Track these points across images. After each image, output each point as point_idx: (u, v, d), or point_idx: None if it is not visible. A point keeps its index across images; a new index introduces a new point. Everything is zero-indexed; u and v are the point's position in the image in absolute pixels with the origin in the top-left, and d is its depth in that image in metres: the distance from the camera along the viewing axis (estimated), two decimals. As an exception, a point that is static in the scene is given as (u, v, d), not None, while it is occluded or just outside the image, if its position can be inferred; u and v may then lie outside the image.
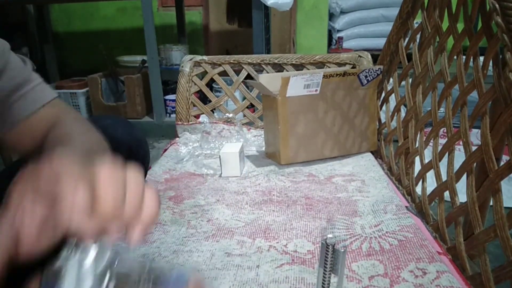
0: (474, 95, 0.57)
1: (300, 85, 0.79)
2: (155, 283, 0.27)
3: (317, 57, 1.05)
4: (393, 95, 0.88)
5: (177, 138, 1.05)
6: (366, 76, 0.85)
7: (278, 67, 1.07)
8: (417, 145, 0.74)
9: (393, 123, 0.88)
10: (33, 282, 0.30)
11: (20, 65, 0.51)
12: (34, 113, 0.51)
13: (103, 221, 0.28)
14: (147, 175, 0.75)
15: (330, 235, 0.36)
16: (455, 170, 0.60)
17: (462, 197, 0.55)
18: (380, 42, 1.41)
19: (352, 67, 1.01)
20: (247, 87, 1.12)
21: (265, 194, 0.71)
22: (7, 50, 0.50)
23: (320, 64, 1.05)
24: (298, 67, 1.06)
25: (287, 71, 1.06)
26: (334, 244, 0.36)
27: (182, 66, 1.10)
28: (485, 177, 0.51)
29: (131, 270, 0.27)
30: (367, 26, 3.67)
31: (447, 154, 0.63)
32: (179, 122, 1.08)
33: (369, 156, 0.88)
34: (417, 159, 0.73)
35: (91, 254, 0.26)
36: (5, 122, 0.51)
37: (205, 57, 1.10)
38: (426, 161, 0.69)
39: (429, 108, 0.69)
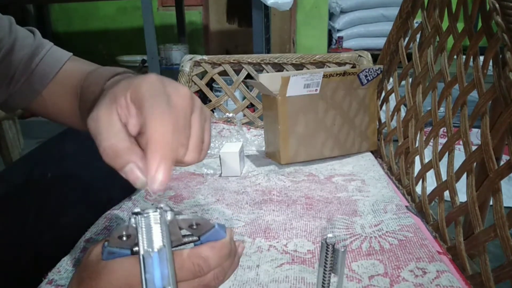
0: (474, 94, 0.57)
1: (300, 84, 0.79)
2: (201, 230, 0.31)
3: (317, 56, 1.05)
4: (393, 94, 0.88)
5: (177, 138, 1.05)
6: (366, 76, 0.85)
7: (278, 67, 1.07)
8: (417, 144, 0.74)
9: (393, 123, 0.88)
10: (98, 245, 0.31)
11: (29, 34, 0.53)
12: (58, 72, 0.53)
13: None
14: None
15: (330, 235, 0.36)
16: (455, 170, 0.60)
17: (462, 197, 0.55)
18: (380, 42, 1.41)
19: (352, 67, 1.01)
20: (247, 86, 1.12)
21: (265, 194, 0.71)
22: (14, 24, 0.51)
23: (320, 64, 1.05)
24: (298, 66, 1.06)
25: (287, 70, 1.06)
26: (334, 243, 0.36)
27: (182, 66, 1.10)
28: (485, 176, 0.51)
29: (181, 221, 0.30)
30: (367, 26, 3.67)
31: (447, 153, 0.63)
32: (179, 122, 1.08)
33: (369, 156, 0.88)
34: (417, 158, 0.73)
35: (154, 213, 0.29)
36: (33, 88, 0.52)
37: (205, 57, 1.10)
38: (426, 160, 0.69)
39: (429, 108, 0.69)
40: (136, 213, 0.29)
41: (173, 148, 0.28)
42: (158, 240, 0.27)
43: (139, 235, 0.27)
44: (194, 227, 0.32)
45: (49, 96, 0.53)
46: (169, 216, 0.30)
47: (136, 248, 0.30)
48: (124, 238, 0.30)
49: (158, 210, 0.30)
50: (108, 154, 0.28)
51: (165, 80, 0.32)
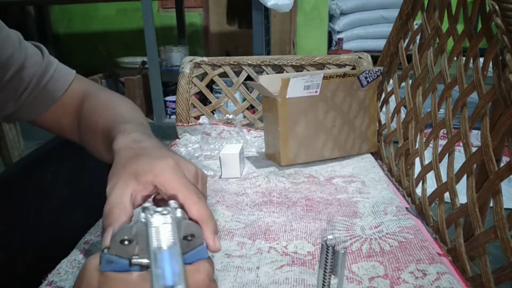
0: (474, 96, 0.57)
1: (300, 86, 0.79)
2: (190, 246, 0.32)
3: (317, 58, 1.05)
4: (393, 96, 0.88)
5: (177, 139, 1.05)
6: (366, 77, 0.85)
7: (278, 68, 1.07)
8: (417, 146, 0.74)
9: (393, 124, 0.88)
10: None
11: (37, 51, 0.54)
12: (66, 90, 0.55)
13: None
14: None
15: (330, 236, 0.36)
16: (455, 171, 0.60)
17: (462, 198, 0.55)
18: (380, 44, 1.41)
19: (352, 69, 1.01)
20: (247, 88, 1.12)
21: (265, 195, 0.71)
22: (22, 40, 0.52)
23: (320, 66, 1.05)
24: (298, 68, 1.06)
25: (287, 72, 1.06)
26: (334, 245, 0.36)
27: (182, 67, 1.10)
28: (485, 178, 0.51)
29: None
30: (367, 28, 3.67)
31: (447, 155, 0.63)
32: (179, 123, 1.08)
33: (369, 157, 0.88)
34: (417, 160, 0.73)
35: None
36: (41, 104, 0.54)
37: (205, 58, 1.10)
38: (426, 162, 0.69)
39: (429, 109, 0.69)
40: (146, 208, 0.29)
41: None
42: (169, 236, 0.27)
43: (150, 230, 0.27)
44: (189, 238, 0.32)
45: (52, 113, 0.55)
46: (179, 213, 0.31)
47: (135, 259, 0.30)
48: (126, 243, 0.29)
49: (168, 207, 0.30)
50: (104, 214, 0.33)
51: (180, 162, 0.38)
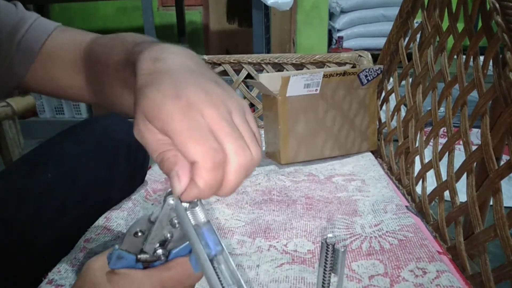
0: (474, 94, 0.57)
1: (300, 84, 0.79)
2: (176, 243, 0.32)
3: (317, 56, 1.05)
4: (393, 94, 0.88)
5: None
6: (366, 76, 0.85)
7: (278, 67, 1.07)
8: (417, 144, 0.74)
9: (393, 123, 0.88)
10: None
11: (12, 8, 0.50)
12: (44, 44, 0.49)
13: None
14: (147, 175, 0.75)
15: (330, 235, 0.36)
16: (455, 170, 0.60)
17: (462, 197, 0.55)
18: (380, 42, 1.41)
19: (352, 67, 1.01)
20: (247, 86, 1.12)
21: (265, 194, 0.71)
22: None
23: (320, 64, 1.05)
24: (298, 66, 1.06)
25: (287, 70, 1.06)
26: (334, 243, 0.36)
27: (182, 66, 1.10)
28: (485, 176, 0.51)
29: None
30: (367, 26, 3.67)
31: (447, 153, 0.63)
32: (179, 122, 1.08)
33: (369, 156, 0.88)
34: (417, 158, 0.73)
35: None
36: (22, 62, 0.49)
37: (205, 57, 1.10)
38: (426, 160, 0.69)
39: (429, 108, 0.69)
40: (169, 194, 0.29)
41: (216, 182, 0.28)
42: (200, 216, 0.29)
43: (183, 213, 0.28)
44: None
45: (42, 70, 0.50)
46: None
47: (140, 255, 0.31)
48: (139, 234, 0.30)
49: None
50: (158, 162, 0.29)
51: (195, 102, 0.29)
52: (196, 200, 0.29)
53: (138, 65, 0.32)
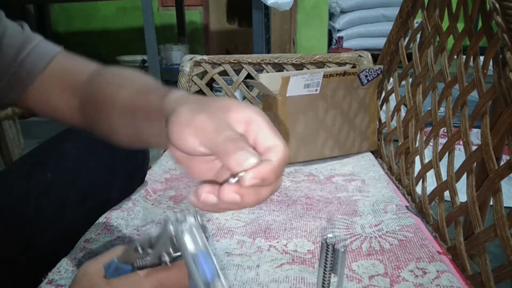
0: (474, 94, 0.57)
1: (300, 84, 0.79)
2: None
3: (317, 56, 1.05)
4: (393, 94, 0.88)
5: (177, 138, 1.05)
6: (366, 76, 0.85)
7: (278, 67, 1.07)
8: (417, 144, 0.74)
9: (393, 123, 0.87)
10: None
11: (18, 29, 0.51)
12: (47, 66, 0.51)
13: None
14: (147, 175, 0.75)
15: (330, 235, 0.36)
16: (455, 170, 0.59)
17: (462, 197, 0.55)
18: (380, 42, 1.41)
19: (352, 67, 1.01)
20: (247, 86, 1.12)
21: (265, 194, 0.71)
22: (3, 18, 0.49)
23: (320, 64, 1.05)
24: (298, 66, 1.06)
25: (287, 70, 1.05)
26: (334, 243, 0.36)
27: (182, 66, 1.10)
28: (485, 176, 0.51)
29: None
30: (367, 26, 3.67)
31: (447, 153, 0.63)
32: (179, 122, 1.08)
33: (369, 156, 0.88)
34: (417, 158, 0.73)
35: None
36: (20, 82, 0.50)
37: (205, 57, 1.10)
38: (426, 160, 0.69)
39: (429, 108, 0.69)
40: (168, 219, 0.31)
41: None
42: (198, 241, 0.30)
43: (184, 239, 0.30)
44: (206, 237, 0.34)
45: (41, 92, 0.51)
46: (199, 219, 0.32)
47: (137, 263, 0.32)
48: (140, 250, 0.31)
49: (192, 215, 0.32)
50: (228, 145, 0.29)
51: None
52: (195, 222, 0.30)
53: (173, 98, 0.34)
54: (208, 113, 0.30)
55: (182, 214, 0.31)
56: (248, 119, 0.32)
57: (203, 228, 0.32)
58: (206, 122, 0.29)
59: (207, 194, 0.29)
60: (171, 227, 0.30)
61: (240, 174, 0.28)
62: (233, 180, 0.28)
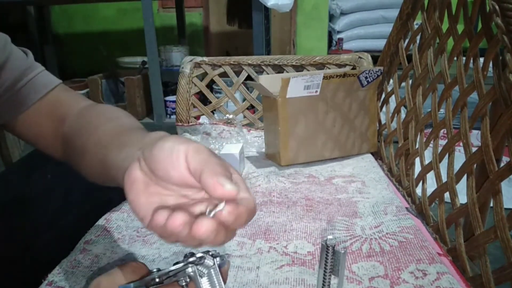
0: (474, 96, 0.57)
1: (300, 86, 0.79)
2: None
3: (317, 58, 1.05)
4: (393, 96, 0.88)
5: (177, 139, 1.05)
6: (366, 77, 0.85)
7: (278, 68, 1.07)
8: (417, 146, 0.74)
9: (393, 124, 0.88)
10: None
11: (22, 55, 0.52)
12: (44, 96, 0.52)
13: None
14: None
15: (330, 236, 0.36)
16: (455, 171, 0.59)
17: (462, 198, 0.55)
18: (380, 43, 1.41)
19: (352, 68, 1.01)
20: (247, 88, 1.12)
21: (265, 195, 0.71)
22: (9, 43, 0.51)
23: (320, 65, 1.05)
24: (298, 68, 1.06)
25: (287, 72, 1.06)
26: (334, 245, 0.36)
27: (182, 67, 1.10)
28: (485, 178, 0.51)
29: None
30: (367, 28, 3.67)
31: (447, 155, 0.63)
32: (179, 123, 1.08)
33: (369, 157, 0.88)
34: (417, 160, 0.73)
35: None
36: (15, 107, 0.51)
37: (205, 58, 1.10)
38: (426, 162, 0.69)
39: (429, 109, 0.69)
40: (192, 262, 0.32)
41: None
42: (215, 283, 0.31)
43: (202, 283, 0.31)
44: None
45: (31, 119, 0.52)
46: (218, 260, 0.33)
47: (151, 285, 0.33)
48: (157, 280, 0.32)
49: (211, 257, 0.32)
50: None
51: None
52: (213, 265, 0.32)
53: (145, 140, 0.36)
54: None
55: (201, 256, 0.32)
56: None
57: (222, 264, 0.33)
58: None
59: (181, 224, 0.27)
60: (190, 270, 0.31)
61: (217, 209, 0.28)
62: (210, 214, 0.28)
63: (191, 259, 0.32)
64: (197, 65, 1.10)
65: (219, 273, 0.32)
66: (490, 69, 0.54)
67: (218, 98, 1.12)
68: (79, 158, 0.47)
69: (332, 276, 0.37)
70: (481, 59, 0.57)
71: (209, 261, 0.32)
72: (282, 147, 0.82)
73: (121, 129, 0.42)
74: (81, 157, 0.46)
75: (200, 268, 0.31)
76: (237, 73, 1.10)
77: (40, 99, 0.52)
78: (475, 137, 1.37)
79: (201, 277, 0.31)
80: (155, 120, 2.34)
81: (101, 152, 0.41)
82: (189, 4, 3.29)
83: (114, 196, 0.64)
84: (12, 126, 0.53)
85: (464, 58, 0.61)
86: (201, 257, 0.32)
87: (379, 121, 0.94)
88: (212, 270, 0.31)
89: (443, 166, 0.63)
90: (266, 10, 2.10)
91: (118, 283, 0.32)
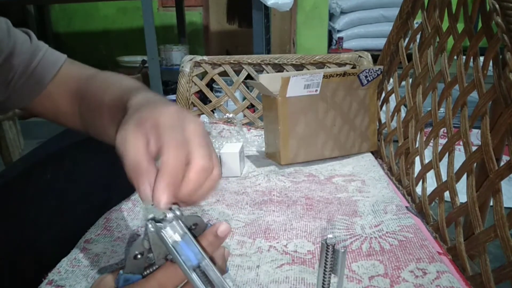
0: (474, 95, 0.57)
1: (300, 85, 0.79)
2: (198, 232, 0.35)
3: (317, 57, 1.05)
4: (393, 95, 0.88)
5: (177, 138, 1.05)
6: (366, 76, 0.85)
7: (278, 67, 1.07)
8: (417, 145, 0.74)
9: (393, 123, 0.87)
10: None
11: (25, 37, 0.54)
12: (56, 74, 0.54)
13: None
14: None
15: (330, 235, 0.36)
16: (455, 170, 0.59)
17: (462, 197, 0.55)
18: (380, 42, 1.41)
19: (352, 67, 1.01)
20: (247, 87, 1.12)
21: (265, 194, 0.71)
22: (11, 27, 0.52)
23: (320, 64, 1.05)
24: (298, 67, 1.06)
25: (287, 71, 1.06)
26: (334, 244, 0.36)
27: (182, 66, 1.10)
28: (485, 177, 0.51)
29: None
30: (367, 27, 3.67)
31: (447, 154, 0.63)
32: (179, 122, 1.08)
33: (369, 156, 0.88)
34: (417, 159, 0.73)
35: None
36: (31, 90, 0.53)
37: (205, 57, 1.10)
38: (426, 161, 0.69)
39: (429, 108, 0.69)
40: (149, 220, 0.32)
41: (178, 176, 0.32)
42: (178, 230, 0.32)
43: (162, 234, 0.31)
44: (193, 227, 0.34)
45: (47, 98, 0.54)
46: (177, 211, 0.33)
47: (146, 272, 0.33)
48: (139, 257, 0.32)
49: (170, 212, 0.33)
50: (130, 169, 0.32)
51: (182, 112, 0.36)
52: (173, 214, 0.32)
53: (132, 102, 0.40)
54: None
55: (158, 212, 0.32)
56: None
57: (190, 219, 0.34)
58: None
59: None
60: (150, 226, 0.31)
61: None
62: None
63: (150, 217, 0.32)
64: (197, 64, 1.10)
65: (183, 225, 0.32)
66: (490, 68, 0.54)
67: (218, 97, 1.12)
68: (95, 128, 0.50)
69: (332, 275, 0.37)
70: (481, 58, 0.57)
71: (170, 215, 0.32)
72: (282, 146, 0.82)
73: (121, 93, 0.45)
74: (97, 127, 0.49)
75: (160, 225, 0.31)
76: (237, 72, 1.10)
77: (53, 77, 0.54)
78: (475, 136, 1.37)
79: (161, 230, 0.31)
80: (155, 119, 2.33)
81: (114, 121, 0.43)
82: (189, 3, 3.29)
83: (114, 195, 0.64)
84: (31, 108, 0.55)
85: (464, 57, 0.61)
86: (158, 213, 0.32)
87: (379, 120, 0.94)
88: (174, 222, 0.31)
89: (443, 165, 0.63)
90: (266, 9, 2.10)
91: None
